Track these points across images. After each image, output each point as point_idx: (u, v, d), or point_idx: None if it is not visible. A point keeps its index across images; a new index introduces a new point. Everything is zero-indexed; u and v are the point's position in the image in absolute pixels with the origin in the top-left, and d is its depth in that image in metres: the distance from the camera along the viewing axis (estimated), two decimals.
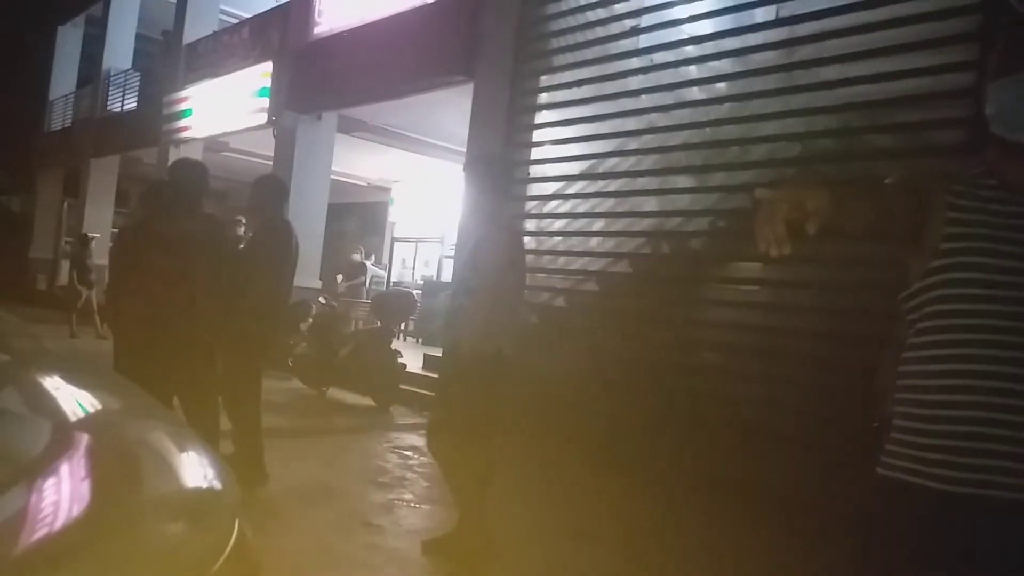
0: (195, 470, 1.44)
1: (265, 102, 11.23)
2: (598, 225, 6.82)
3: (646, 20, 6.63)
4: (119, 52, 17.12)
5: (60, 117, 19.51)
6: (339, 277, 12.52)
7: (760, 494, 4.63)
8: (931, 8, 4.78)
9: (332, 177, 11.52)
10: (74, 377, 1.84)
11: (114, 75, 16.99)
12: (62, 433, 1.37)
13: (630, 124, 6.58)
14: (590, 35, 6.97)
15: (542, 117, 7.42)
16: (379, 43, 9.25)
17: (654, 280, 6.31)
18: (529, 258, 7.22)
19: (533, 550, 3.96)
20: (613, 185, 6.69)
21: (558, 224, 7.17)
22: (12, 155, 19.83)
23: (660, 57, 6.41)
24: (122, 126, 16.01)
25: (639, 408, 5.73)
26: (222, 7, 14.74)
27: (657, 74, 6.41)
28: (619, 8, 6.79)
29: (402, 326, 11.70)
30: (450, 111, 9.23)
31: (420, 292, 12.52)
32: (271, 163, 11.41)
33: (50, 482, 1.15)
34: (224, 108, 12.26)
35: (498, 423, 3.56)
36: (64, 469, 1.22)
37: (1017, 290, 1.46)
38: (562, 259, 7.04)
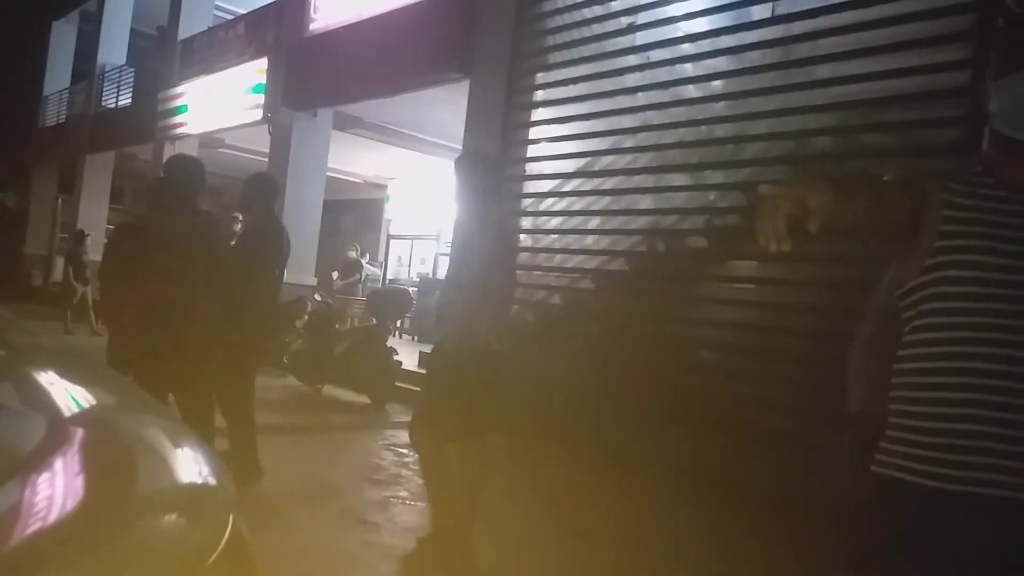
0: (190, 466, 1.44)
1: (260, 98, 11.21)
2: (594, 223, 6.82)
3: (642, 17, 6.63)
4: (114, 48, 17.08)
5: (55, 113, 19.46)
6: (335, 274, 12.51)
7: (758, 493, 4.64)
8: (926, 7, 4.78)
9: (328, 174, 11.52)
10: (69, 373, 1.83)
11: (109, 71, 16.95)
12: (57, 428, 1.36)
13: (626, 122, 6.59)
14: (586, 32, 6.97)
15: (538, 114, 7.42)
16: (375, 40, 9.24)
17: (649, 278, 6.32)
18: (525, 256, 7.29)
19: (527, 549, 3.96)
20: (609, 183, 6.70)
21: (554, 222, 7.17)
22: (7, 151, 19.78)
23: (656, 55, 6.42)
24: (117, 122, 15.98)
25: (635, 406, 5.74)
26: (217, 3, 14.73)
27: (653, 72, 6.42)
28: (615, 5, 6.79)
29: (398, 323, 11.70)
30: (446, 108, 9.22)
31: (416, 289, 12.51)
32: (267, 160, 11.40)
33: (44, 477, 1.15)
34: (219, 104, 12.24)
35: (484, 418, 3.56)
36: (58, 464, 1.22)
37: (1014, 288, 1.46)
38: (558, 257, 7.04)
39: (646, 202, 6.45)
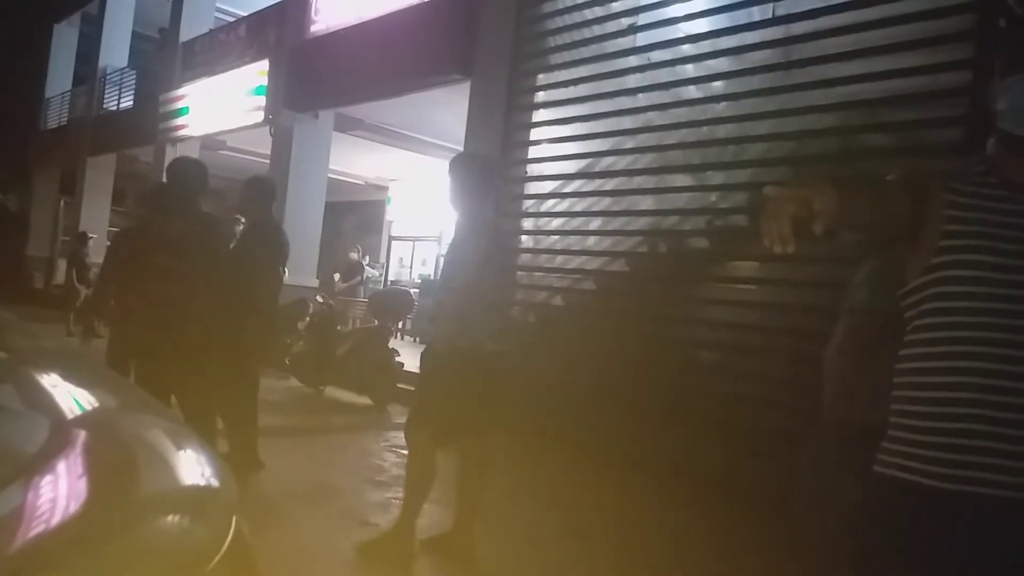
0: (192, 467, 1.44)
1: (262, 100, 11.22)
2: (595, 224, 6.83)
3: (643, 18, 6.63)
4: (115, 50, 17.10)
5: (56, 115, 19.48)
6: (336, 276, 12.52)
7: (758, 493, 4.63)
8: (926, 7, 4.78)
9: (329, 176, 11.52)
10: (71, 374, 1.84)
11: (110, 73, 16.97)
12: (59, 430, 1.37)
13: (627, 123, 6.59)
14: (587, 33, 6.97)
15: (539, 115, 7.42)
16: (376, 41, 9.24)
17: (650, 279, 6.32)
18: (526, 257, 7.29)
19: (528, 549, 3.96)
20: (610, 184, 6.70)
21: (555, 223, 7.17)
22: (8, 153, 19.79)
23: (657, 55, 6.42)
24: (118, 124, 15.99)
25: (636, 406, 5.74)
26: (219, 5, 14.74)
27: (654, 72, 6.42)
28: (616, 7, 6.79)
29: (399, 325, 11.70)
30: (447, 109, 9.23)
31: (417, 291, 12.51)
32: (268, 161, 11.41)
33: (47, 479, 1.15)
34: (221, 106, 12.25)
35: (480, 419, 3.56)
36: (61, 466, 1.22)
37: (1016, 288, 1.46)
38: (559, 258, 7.04)
39: (647, 203, 6.45)
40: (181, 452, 1.47)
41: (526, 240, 7.42)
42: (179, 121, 13.26)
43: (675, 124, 6.23)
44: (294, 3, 11.04)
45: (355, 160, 14.25)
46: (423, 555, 3.71)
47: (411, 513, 3.60)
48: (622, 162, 6.66)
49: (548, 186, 7.24)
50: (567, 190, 7.07)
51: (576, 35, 7.06)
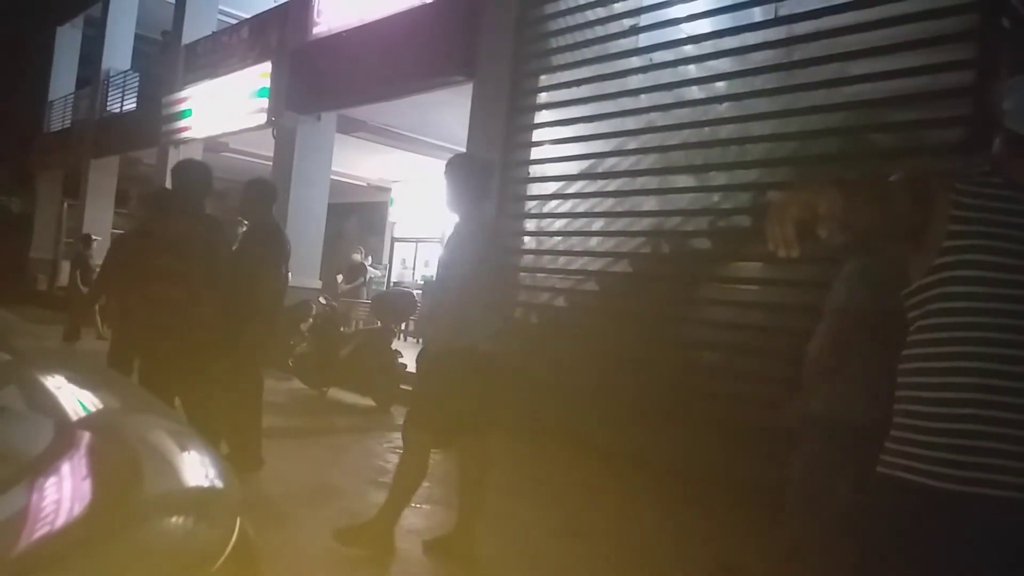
0: (196, 468, 1.44)
1: (264, 102, 11.23)
2: (597, 225, 6.82)
3: (645, 19, 6.63)
4: (118, 53, 17.13)
5: (60, 118, 19.52)
6: (339, 277, 12.52)
7: (759, 492, 4.63)
8: (929, 7, 4.77)
9: (332, 177, 11.52)
10: (75, 376, 1.84)
11: (113, 76, 17.00)
12: (63, 432, 1.37)
13: (629, 123, 6.59)
14: (589, 34, 6.97)
15: (542, 117, 7.42)
16: (378, 43, 9.25)
17: (653, 279, 6.31)
18: (529, 258, 7.29)
19: (530, 549, 3.96)
20: (612, 185, 6.69)
21: (558, 224, 7.17)
22: (12, 156, 19.83)
23: (659, 56, 6.41)
24: (121, 127, 16.02)
25: (640, 407, 5.73)
26: (221, 7, 14.75)
27: (656, 73, 6.42)
28: (618, 7, 6.79)
29: (402, 326, 11.70)
30: (450, 111, 9.23)
31: (420, 292, 12.51)
32: (271, 163, 11.42)
33: (52, 481, 1.15)
34: (223, 108, 12.26)
35: (476, 419, 3.56)
36: (66, 468, 1.23)
37: (1020, 288, 1.46)
38: (562, 259, 7.04)
39: (650, 204, 6.45)
40: (185, 454, 1.47)
41: (529, 241, 7.42)
42: (182, 123, 13.28)
43: (678, 125, 6.22)
44: (296, 5, 11.05)
45: (358, 162, 14.25)
46: (424, 556, 3.72)
47: (395, 508, 3.62)
48: (624, 163, 6.65)
49: (551, 187, 7.24)
50: (570, 191, 7.06)
51: (578, 36, 7.06)
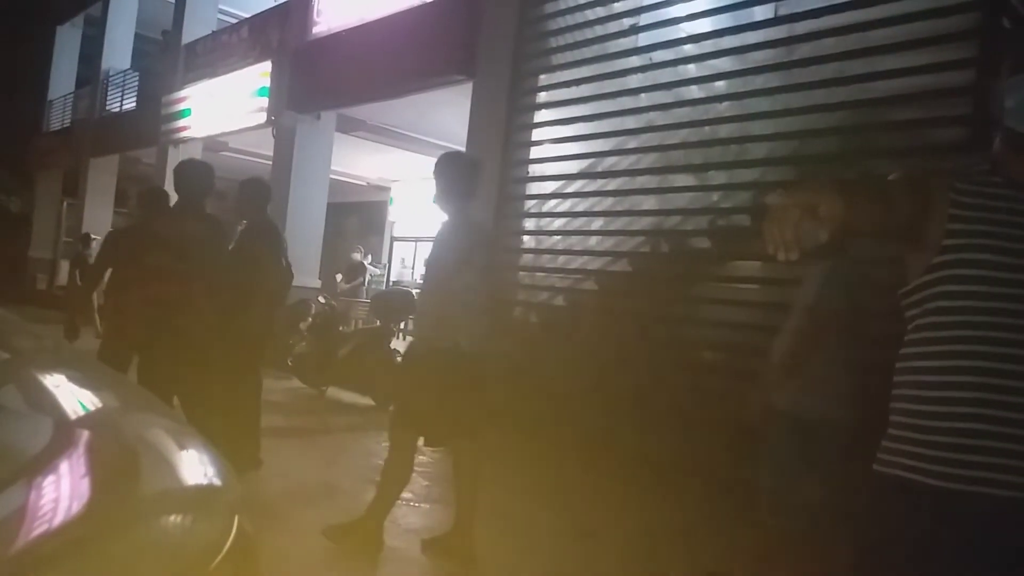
0: (195, 466, 1.44)
1: (264, 102, 11.22)
2: (597, 224, 6.82)
3: (644, 19, 6.62)
4: (118, 52, 17.12)
5: (59, 117, 19.51)
6: (338, 277, 12.52)
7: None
8: (929, 6, 4.77)
9: (331, 176, 11.52)
10: (73, 374, 1.84)
11: (113, 75, 16.99)
12: (62, 430, 1.37)
13: (629, 123, 6.58)
14: (589, 34, 6.96)
15: (541, 116, 7.41)
16: (378, 42, 9.24)
17: (653, 278, 6.31)
18: (528, 257, 7.28)
19: (532, 548, 3.96)
20: (612, 184, 6.69)
21: (557, 223, 7.16)
22: (11, 155, 19.82)
23: (659, 56, 6.41)
24: (121, 126, 16.01)
25: (639, 406, 5.73)
26: (221, 7, 14.75)
27: (656, 72, 6.41)
28: (618, 7, 6.79)
29: (401, 325, 11.70)
30: (449, 110, 9.23)
31: (419, 292, 12.49)
32: (270, 163, 11.41)
33: (50, 479, 1.15)
34: (223, 108, 12.25)
35: (461, 419, 3.56)
36: (64, 466, 1.22)
37: (1020, 287, 1.46)
38: (561, 258, 7.04)
39: (649, 203, 6.45)
40: (184, 452, 1.47)
41: (528, 240, 7.41)
42: (181, 123, 13.28)
43: (677, 124, 6.22)
44: (296, 5, 11.05)
45: (357, 161, 14.25)
46: (423, 555, 3.72)
47: (382, 507, 3.65)
48: (624, 162, 6.65)
49: (550, 186, 7.24)
50: (569, 190, 7.06)
51: (578, 35, 7.05)
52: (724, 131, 5.91)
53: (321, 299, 9.22)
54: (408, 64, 8.78)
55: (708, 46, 6.07)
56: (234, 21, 13.70)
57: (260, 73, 11.43)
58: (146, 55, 17.23)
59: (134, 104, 15.97)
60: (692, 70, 6.25)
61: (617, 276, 6.60)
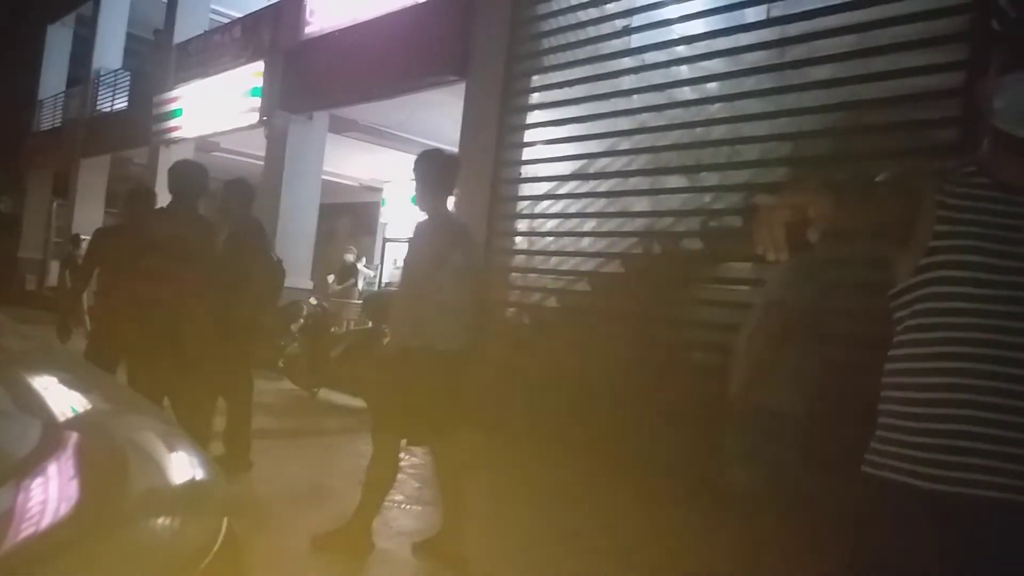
0: (183, 468, 1.43)
1: (257, 101, 11.20)
2: (589, 225, 6.83)
3: (637, 20, 6.64)
4: (109, 51, 17.05)
5: (50, 117, 19.41)
6: (331, 278, 12.49)
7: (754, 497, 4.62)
8: (921, 8, 4.79)
9: (323, 177, 11.50)
10: (62, 376, 1.83)
11: (104, 74, 16.92)
12: (50, 432, 1.36)
13: (622, 124, 6.59)
14: (582, 35, 6.97)
15: (534, 117, 7.42)
16: (371, 43, 9.24)
17: (646, 279, 6.32)
18: (520, 258, 7.28)
19: (522, 549, 3.96)
20: (604, 185, 6.70)
21: (550, 224, 7.17)
22: (1, 155, 19.71)
23: (651, 57, 6.42)
24: (112, 126, 15.95)
25: (630, 406, 5.73)
26: (213, 6, 14.71)
27: (648, 74, 6.43)
28: (610, 8, 6.80)
29: None
30: (442, 110, 9.22)
31: None
32: (262, 163, 11.39)
33: (38, 481, 1.14)
34: (215, 108, 12.22)
35: (439, 419, 3.56)
36: (52, 468, 1.22)
37: (1007, 288, 1.46)
38: (554, 259, 7.05)
39: (642, 204, 6.46)
40: (172, 454, 1.46)
41: (520, 241, 7.41)
42: (173, 123, 13.23)
43: (670, 125, 6.23)
44: (289, 5, 11.03)
45: (349, 161, 14.22)
46: (414, 557, 3.71)
47: (368, 511, 3.62)
48: (617, 163, 6.66)
49: (543, 187, 7.24)
50: (562, 191, 7.07)
51: (571, 36, 7.06)
52: (717, 133, 5.93)
53: (313, 300, 9.20)
54: (401, 64, 8.78)
55: (701, 48, 6.09)
56: (226, 21, 13.65)
57: (253, 73, 11.40)
58: (137, 55, 17.16)
59: (125, 104, 15.91)
60: (685, 72, 6.27)
61: (609, 277, 6.61)
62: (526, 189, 7.39)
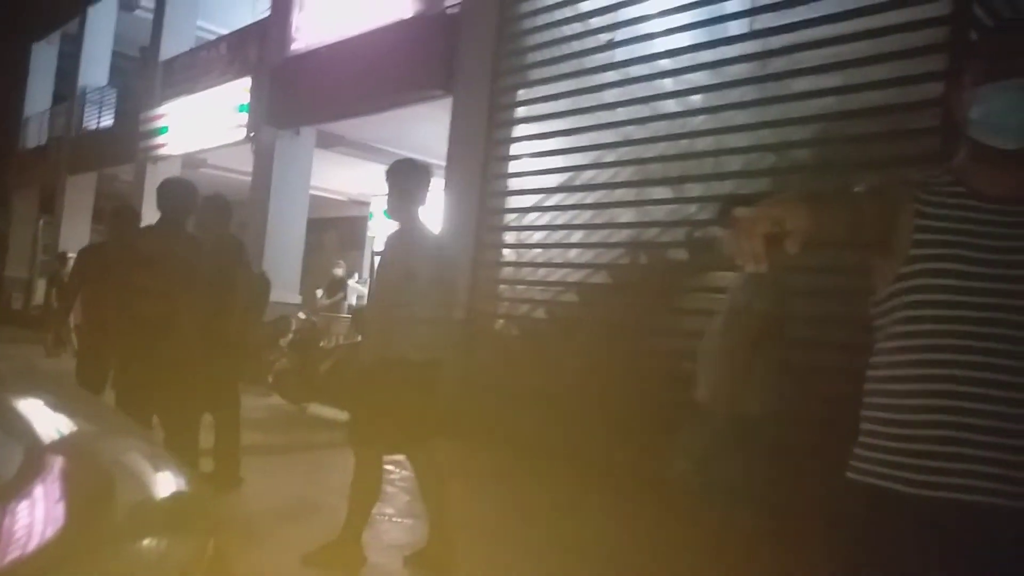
0: (169, 489, 1.43)
1: (244, 117, 11.20)
2: (576, 236, 6.85)
3: (621, 34, 6.68)
4: (95, 69, 17.02)
5: (35, 134, 19.33)
6: (319, 292, 12.46)
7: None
8: (900, 20, 4.85)
9: (311, 192, 11.49)
10: (48, 397, 1.82)
11: (90, 92, 16.88)
12: (37, 453, 1.36)
13: (607, 136, 6.63)
14: (566, 49, 7.02)
15: (520, 130, 7.45)
16: (357, 58, 9.26)
17: (632, 290, 6.34)
18: (508, 270, 7.29)
19: (515, 562, 3.95)
20: (591, 197, 6.73)
21: (536, 236, 7.19)
22: None
23: (635, 70, 6.47)
24: (98, 143, 15.90)
25: (619, 417, 5.74)
26: (199, 23, 14.68)
27: (632, 87, 6.47)
28: (595, 23, 6.85)
29: None
30: (429, 125, 9.23)
31: None
32: (250, 179, 11.37)
33: (24, 504, 1.14)
34: (201, 124, 12.21)
35: (414, 429, 3.55)
36: (39, 490, 1.22)
37: (985, 296, 1.48)
38: (541, 271, 7.06)
39: (627, 216, 6.49)
40: (158, 475, 1.46)
41: (508, 253, 7.43)
42: (159, 139, 13.21)
43: (654, 137, 6.27)
44: (274, 21, 11.05)
45: (337, 176, 14.21)
46: (405, 569, 3.70)
47: (356, 524, 3.61)
48: (602, 175, 6.69)
49: (530, 200, 7.27)
50: (548, 203, 7.09)
51: (556, 51, 7.11)
52: (701, 144, 5.97)
53: (302, 315, 9.18)
54: (387, 80, 8.80)
55: (684, 60, 6.13)
56: (213, 38, 13.65)
57: (241, 88, 11.39)
58: (124, 72, 17.13)
59: (111, 121, 15.88)
60: (668, 84, 6.31)
61: (596, 288, 6.62)
62: (513, 201, 7.42)
